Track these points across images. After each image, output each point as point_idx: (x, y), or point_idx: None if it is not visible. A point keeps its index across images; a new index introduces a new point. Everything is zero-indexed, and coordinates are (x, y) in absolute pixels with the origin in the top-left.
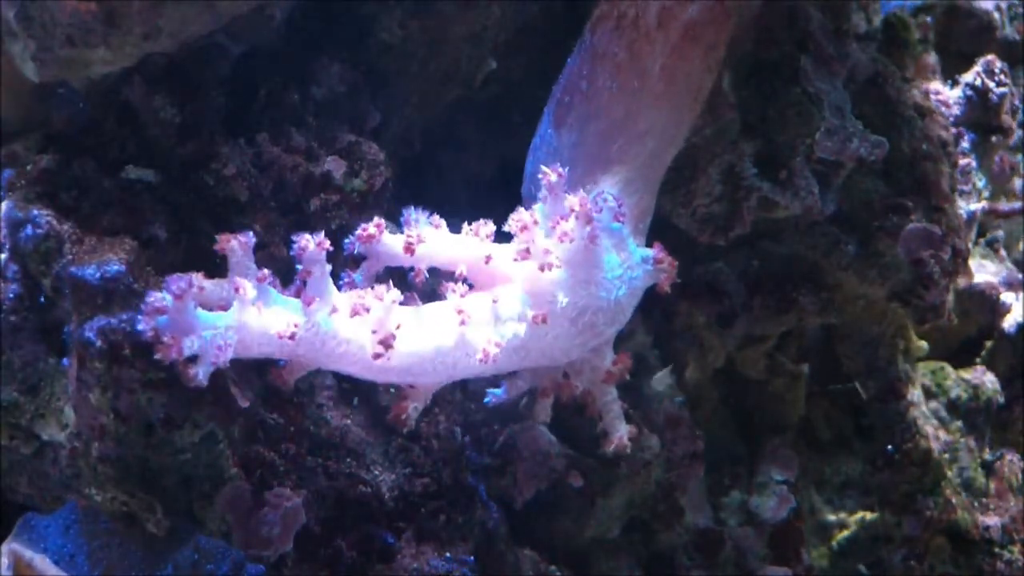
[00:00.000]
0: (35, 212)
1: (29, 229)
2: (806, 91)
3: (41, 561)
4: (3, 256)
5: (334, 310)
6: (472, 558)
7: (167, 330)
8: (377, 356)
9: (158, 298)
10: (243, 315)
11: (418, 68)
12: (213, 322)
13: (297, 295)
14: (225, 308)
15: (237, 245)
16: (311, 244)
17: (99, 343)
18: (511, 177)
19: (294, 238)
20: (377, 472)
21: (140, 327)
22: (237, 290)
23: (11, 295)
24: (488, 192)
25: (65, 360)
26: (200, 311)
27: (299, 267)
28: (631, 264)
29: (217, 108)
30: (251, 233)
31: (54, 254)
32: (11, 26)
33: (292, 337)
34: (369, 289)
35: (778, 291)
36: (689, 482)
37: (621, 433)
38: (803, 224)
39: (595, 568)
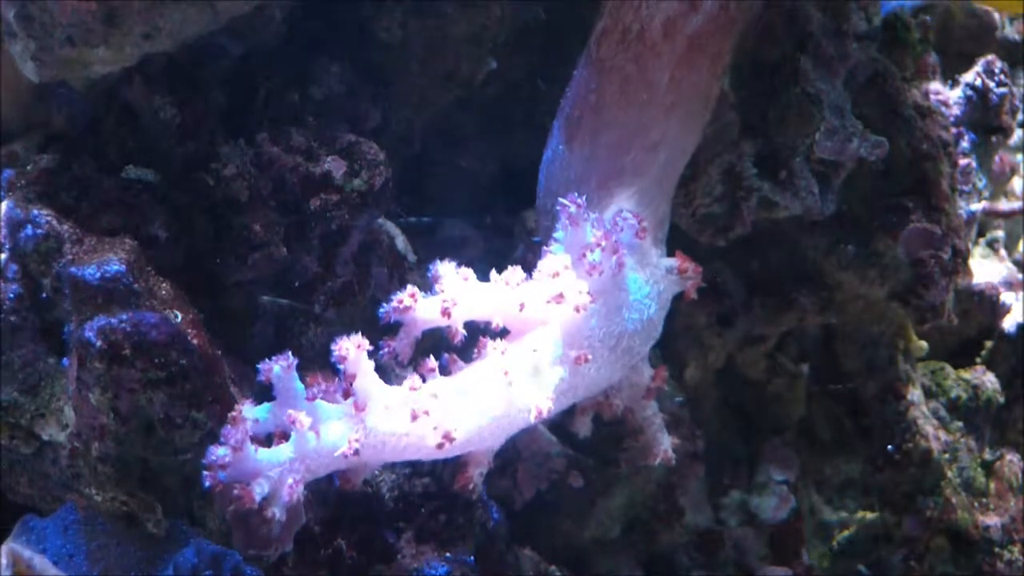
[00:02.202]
0: (35, 212)
1: (29, 229)
2: (806, 91)
3: (40, 561)
4: (3, 256)
5: (387, 408)
6: (472, 558)
7: (232, 479)
8: (440, 447)
9: (219, 455)
10: (303, 445)
11: (418, 68)
12: (277, 460)
13: (344, 395)
14: (281, 431)
15: (280, 370)
16: (351, 349)
17: (99, 343)
18: (511, 177)
19: (332, 347)
20: (377, 472)
21: (206, 484)
22: (294, 423)
23: (11, 295)
24: (488, 192)
25: (65, 360)
26: (260, 452)
27: (341, 368)
28: (656, 279)
29: (217, 108)
30: (289, 353)
31: (54, 254)
32: (11, 26)
33: (356, 453)
34: (416, 379)
35: (778, 291)
36: (689, 482)
37: (665, 447)
38: (803, 224)
39: (595, 568)
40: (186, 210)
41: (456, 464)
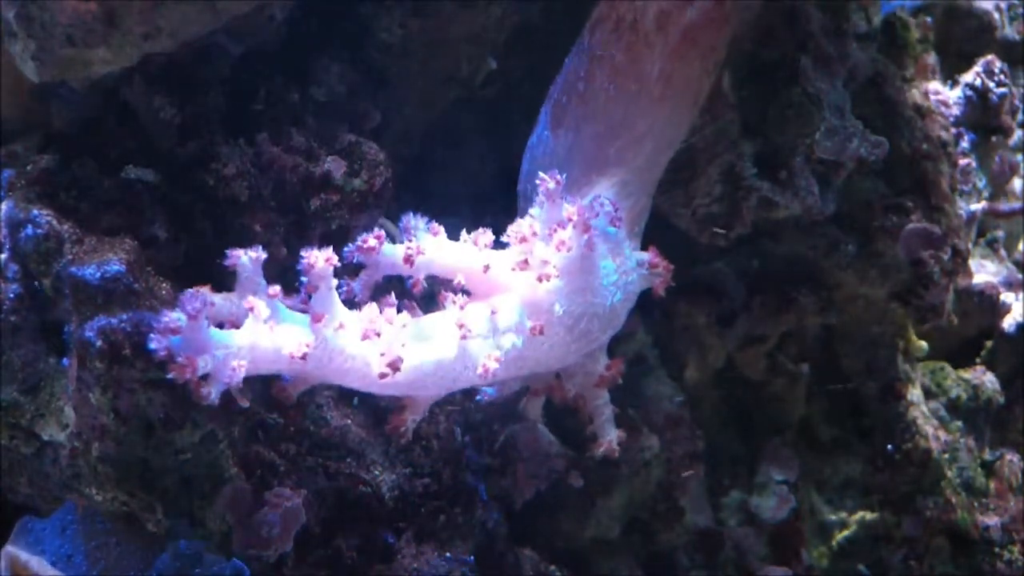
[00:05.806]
0: (35, 212)
1: (29, 229)
2: (806, 91)
3: (38, 563)
4: (3, 256)
5: (341, 326)
6: (472, 558)
7: (180, 349)
8: (383, 376)
9: (172, 318)
10: (255, 334)
11: (418, 68)
12: (226, 341)
13: (302, 305)
14: (235, 322)
15: (247, 260)
16: (319, 260)
17: (99, 343)
18: (511, 177)
19: (302, 254)
20: (377, 472)
21: (153, 347)
22: (251, 310)
23: (11, 295)
24: (488, 191)
25: (65, 360)
26: (213, 330)
27: (304, 280)
28: (626, 269)
29: (217, 108)
30: (260, 247)
31: (54, 254)
32: (11, 26)
33: (303, 357)
34: (374, 308)
35: (778, 291)
36: (689, 482)
37: (611, 437)
38: (803, 224)
39: (595, 568)
40: (186, 210)
41: (398, 408)
